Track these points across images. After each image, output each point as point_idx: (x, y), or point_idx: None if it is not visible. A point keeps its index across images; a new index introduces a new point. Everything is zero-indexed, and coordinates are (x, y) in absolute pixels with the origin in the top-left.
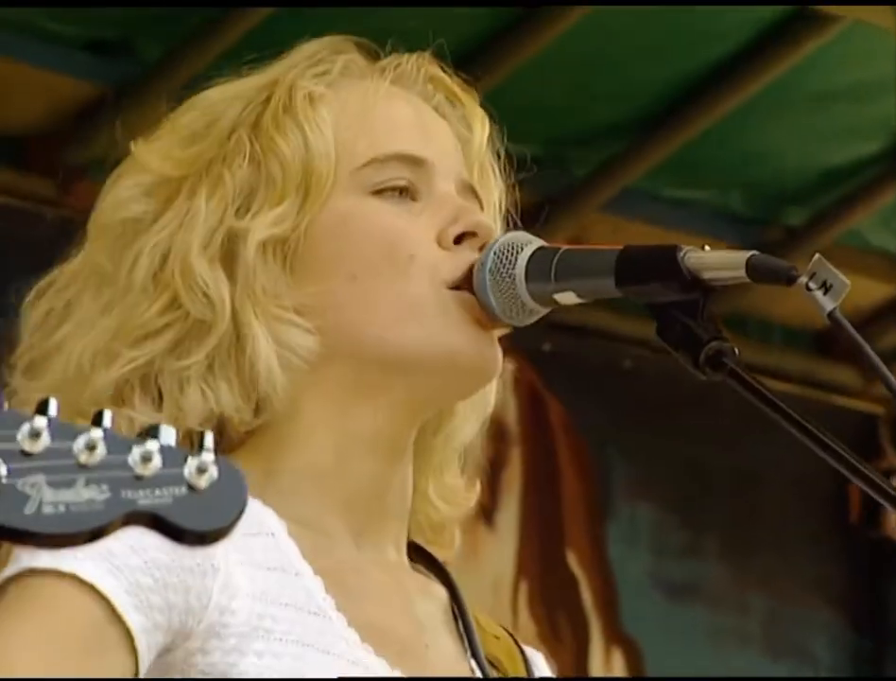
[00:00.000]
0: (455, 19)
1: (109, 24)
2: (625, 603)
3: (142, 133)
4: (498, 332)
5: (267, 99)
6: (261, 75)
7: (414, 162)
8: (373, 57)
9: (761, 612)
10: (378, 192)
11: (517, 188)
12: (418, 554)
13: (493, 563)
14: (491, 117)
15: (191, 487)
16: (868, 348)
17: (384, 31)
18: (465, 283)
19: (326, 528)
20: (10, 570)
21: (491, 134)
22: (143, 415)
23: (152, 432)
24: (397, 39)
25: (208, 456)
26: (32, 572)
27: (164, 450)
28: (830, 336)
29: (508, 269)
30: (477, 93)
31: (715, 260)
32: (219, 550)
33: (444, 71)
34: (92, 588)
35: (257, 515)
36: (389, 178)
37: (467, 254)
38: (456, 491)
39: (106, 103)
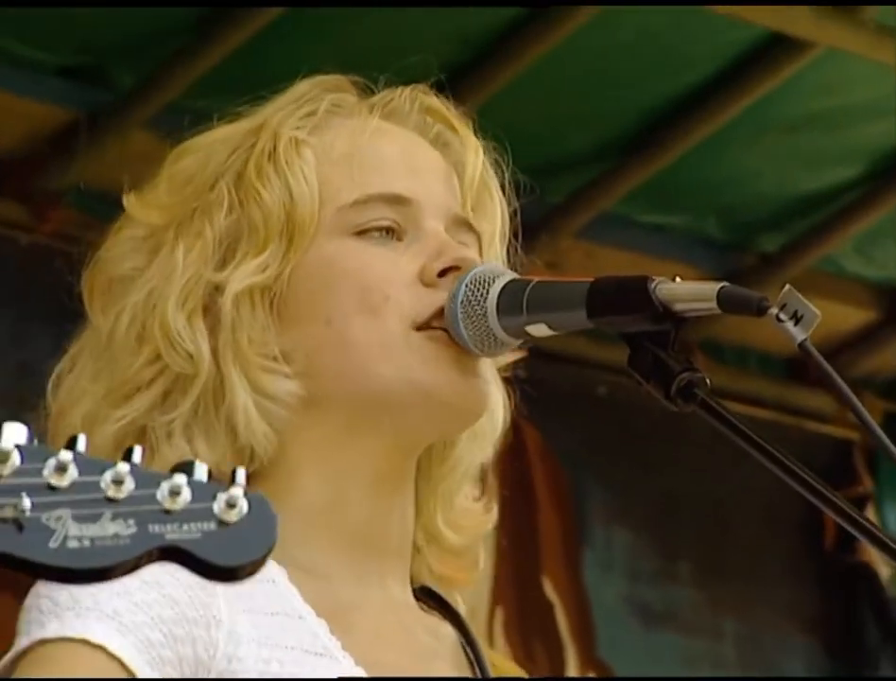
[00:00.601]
0: (428, 47)
1: (82, 50)
2: (600, 629)
3: (115, 160)
4: (483, 366)
5: (253, 145)
6: (251, 118)
7: (398, 201)
8: (366, 93)
9: (735, 637)
10: (361, 233)
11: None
12: (426, 595)
13: (469, 590)
14: (497, 142)
15: (220, 522)
16: (837, 378)
17: (354, 60)
18: (441, 319)
19: (326, 570)
20: (20, 645)
21: (486, 163)
22: None
23: (186, 468)
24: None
25: (238, 490)
26: (42, 643)
27: (194, 485)
28: (804, 362)
29: (479, 301)
30: (472, 120)
31: (686, 291)
32: (220, 600)
33: (440, 101)
34: (103, 650)
35: None
36: (372, 219)
37: (447, 292)
38: (470, 515)
39: (79, 129)
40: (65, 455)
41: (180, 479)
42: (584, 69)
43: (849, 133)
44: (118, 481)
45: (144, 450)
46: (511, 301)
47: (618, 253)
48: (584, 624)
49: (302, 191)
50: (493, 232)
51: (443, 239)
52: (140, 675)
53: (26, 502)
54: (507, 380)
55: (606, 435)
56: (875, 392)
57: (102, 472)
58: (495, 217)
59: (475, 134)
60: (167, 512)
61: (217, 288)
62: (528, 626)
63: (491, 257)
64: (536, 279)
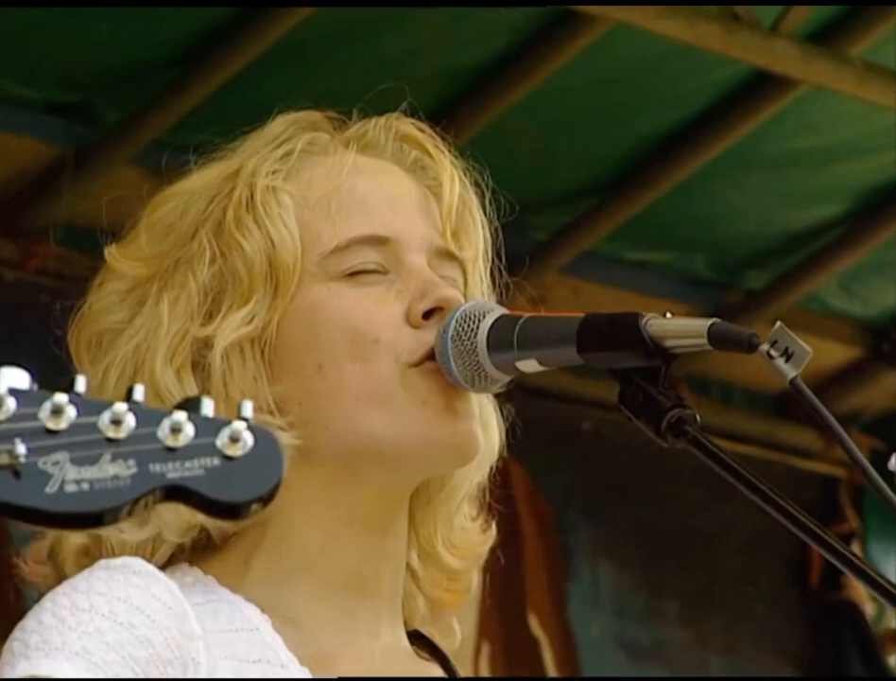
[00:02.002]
0: (415, 82)
1: (69, 87)
2: (586, 665)
3: (101, 195)
4: (474, 401)
5: (231, 191)
6: (227, 162)
7: (380, 241)
8: (341, 126)
9: (721, 673)
10: (346, 276)
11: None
12: (419, 639)
13: (458, 611)
14: (478, 163)
15: (225, 457)
16: (829, 416)
17: (340, 95)
18: (431, 359)
19: (314, 617)
20: None
21: (465, 185)
22: (129, 534)
23: (192, 403)
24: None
25: (241, 424)
26: None
27: (197, 420)
28: (791, 398)
29: (469, 337)
30: (449, 144)
31: (677, 328)
32: (199, 644)
33: (416, 126)
34: None
35: (241, 610)
36: (356, 262)
37: (434, 332)
38: (468, 534)
39: (66, 165)
40: (61, 397)
41: (182, 415)
42: (571, 106)
43: (834, 171)
44: (117, 421)
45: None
46: (501, 337)
47: (604, 289)
48: (570, 660)
49: (283, 239)
50: (476, 255)
51: (426, 277)
52: None
53: (21, 448)
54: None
55: (591, 471)
56: (860, 428)
57: (101, 412)
58: (478, 239)
59: (454, 155)
60: (169, 449)
61: (205, 342)
62: (514, 662)
63: (476, 281)
64: (526, 315)
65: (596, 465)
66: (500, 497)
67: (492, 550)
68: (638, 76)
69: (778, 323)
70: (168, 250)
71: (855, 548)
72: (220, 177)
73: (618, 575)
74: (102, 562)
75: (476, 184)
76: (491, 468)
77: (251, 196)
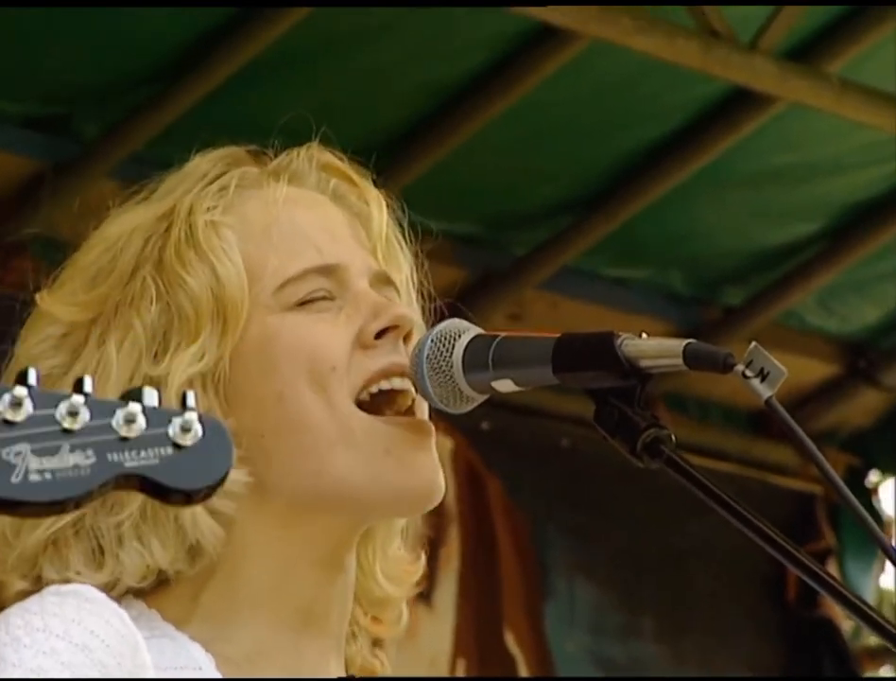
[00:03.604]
0: (395, 98)
1: (46, 101)
2: None
3: (80, 210)
4: (433, 449)
5: (167, 230)
6: (157, 202)
7: (328, 270)
8: (263, 160)
9: None
10: (299, 305)
11: (454, 266)
12: None
13: (431, 641)
14: (392, 192)
15: (176, 446)
16: (803, 435)
17: (318, 111)
18: (390, 375)
19: (259, 657)
20: None
21: (390, 214)
22: (82, 576)
23: (134, 395)
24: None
25: (192, 414)
26: None
27: (148, 411)
28: (768, 416)
29: (445, 357)
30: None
31: (652, 348)
32: (150, 673)
33: (335, 156)
34: None
35: (185, 648)
36: (308, 293)
37: (388, 351)
38: (399, 564)
39: (44, 179)
40: (20, 390)
41: (135, 406)
42: (550, 122)
43: (811, 188)
44: (73, 413)
45: (84, 556)
46: (477, 357)
47: (582, 305)
48: (546, 677)
49: (229, 272)
50: (404, 279)
51: (375, 300)
52: None
53: None
54: (469, 432)
55: (569, 487)
56: (838, 445)
57: (57, 404)
58: (402, 266)
59: (374, 184)
60: (124, 439)
61: (157, 382)
62: (490, 678)
63: (406, 304)
64: (502, 335)
65: (574, 482)
66: (477, 514)
67: (468, 566)
68: (617, 92)
69: (753, 344)
70: (106, 293)
71: (832, 565)
72: (153, 217)
73: (595, 592)
74: (52, 588)
75: (396, 209)
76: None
77: (191, 231)
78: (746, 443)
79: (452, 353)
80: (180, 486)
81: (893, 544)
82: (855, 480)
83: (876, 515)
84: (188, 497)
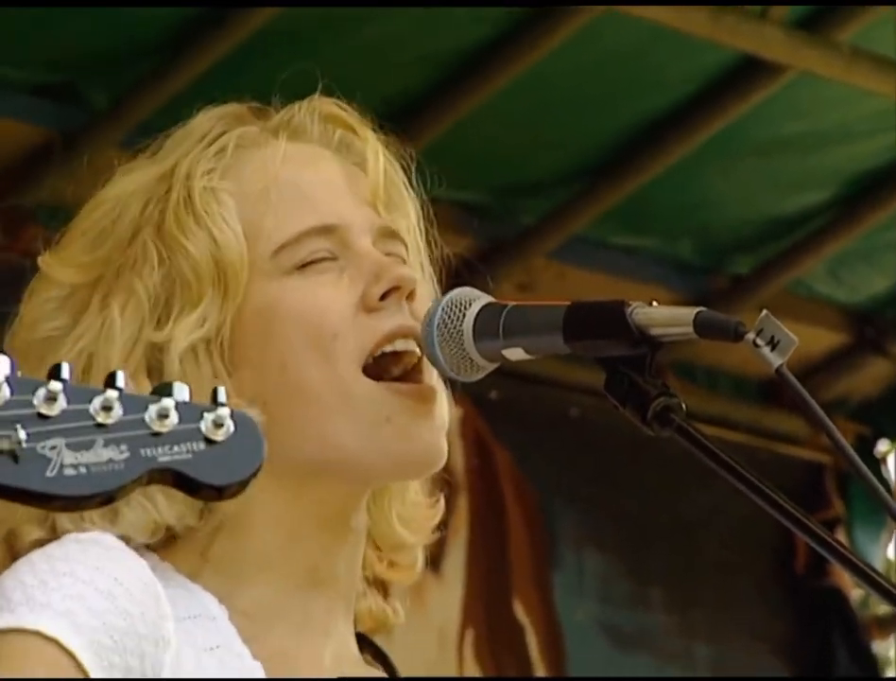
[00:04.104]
0: (402, 68)
1: (55, 69)
2: (571, 652)
3: (89, 179)
4: (438, 407)
5: (167, 192)
6: (158, 162)
7: (328, 230)
8: (265, 116)
9: (707, 660)
10: (299, 268)
11: (463, 235)
12: (365, 645)
13: (439, 610)
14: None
15: (209, 441)
16: (814, 403)
17: (327, 80)
18: (396, 337)
19: (270, 614)
20: None
21: (391, 160)
22: (97, 527)
23: (166, 390)
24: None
25: (224, 410)
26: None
27: (180, 406)
28: (777, 385)
29: (455, 325)
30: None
31: (663, 316)
32: (170, 624)
33: (338, 106)
34: (56, 643)
35: (199, 599)
36: (307, 254)
37: (393, 312)
38: (417, 509)
39: (53, 148)
40: (54, 385)
41: (168, 401)
42: (557, 91)
43: (821, 157)
44: (107, 407)
45: (103, 513)
46: (488, 325)
47: (590, 274)
48: (555, 646)
49: (227, 238)
50: (409, 227)
51: (377, 259)
52: (92, 674)
53: (22, 433)
54: (478, 402)
55: (577, 457)
56: (846, 415)
57: (91, 399)
58: (408, 212)
59: (377, 130)
60: (157, 434)
61: (160, 347)
62: (499, 648)
63: (414, 253)
64: (512, 303)
65: (583, 452)
66: (485, 484)
67: (477, 536)
68: (625, 61)
69: (764, 312)
70: (107, 255)
71: (840, 534)
72: (153, 179)
73: (604, 562)
74: (72, 535)
75: (404, 159)
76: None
77: (189, 197)
78: (755, 412)
79: (463, 321)
80: (211, 482)
81: None
82: (864, 448)
83: (885, 483)
84: (219, 493)
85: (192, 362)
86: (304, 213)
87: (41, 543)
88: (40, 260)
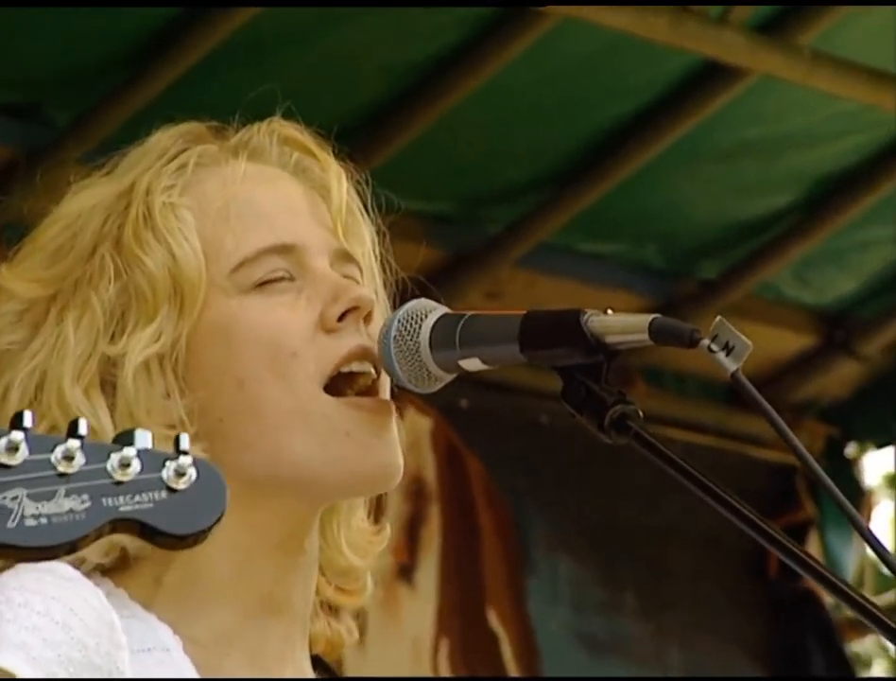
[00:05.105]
0: (364, 79)
1: (18, 87)
2: (546, 660)
3: (50, 196)
4: (394, 430)
5: (126, 208)
6: (117, 179)
7: (286, 250)
8: (224, 135)
9: (681, 666)
10: (257, 287)
11: (429, 245)
12: (319, 667)
13: (413, 621)
14: (375, 165)
15: (171, 490)
16: (768, 407)
17: (290, 93)
18: (354, 359)
19: (223, 641)
20: None
21: (349, 186)
22: None
23: (127, 438)
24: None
25: (186, 458)
26: None
27: (142, 454)
28: None
29: (412, 336)
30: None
31: (618, 324)
32: (125, 654)
33: (296, 129)
34: (9, 674)
35: (153, 630)
36: (265, 273)
37: (351, 333)
38: (363, 535)
39: (18, 166)
40: (16, 435)
41: (129, 451)
42: (520, 100)
43: (785, 160)
44: (69, 457)
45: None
46: (444, 336)
47: (558, 282)
48: (529, 654)
49: (185, 253)
50: (365, 252)
51: (335, 281)
52: None
53: None
54: (448, 411)
55: (548, 464)
56: (817, 416)
57: (53, 449)
58: (365, 238)
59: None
60: (118, 483)
61: (113, 361)
62: (473, 657)
63: (369, 278)
64: (469, 314)
65: (555, 459)
66: (457, 492)
67: (450, 545)
68: (588, 68)
69: (718, 318)
70: (66, 269)
71: (812, 536)
72: (112, 195)
73: (577, 569)
74: (27, 565)
75: (359, 184)
76: None
77: (149, 212)
78: (723, 415)
79: (419, 332)
80: (173, 531)
81: (875, 513)
82: (835, 450)
83: (857, 485)
84: (181, 540)
85: (145, 377)
86: (263, 231)
87: None
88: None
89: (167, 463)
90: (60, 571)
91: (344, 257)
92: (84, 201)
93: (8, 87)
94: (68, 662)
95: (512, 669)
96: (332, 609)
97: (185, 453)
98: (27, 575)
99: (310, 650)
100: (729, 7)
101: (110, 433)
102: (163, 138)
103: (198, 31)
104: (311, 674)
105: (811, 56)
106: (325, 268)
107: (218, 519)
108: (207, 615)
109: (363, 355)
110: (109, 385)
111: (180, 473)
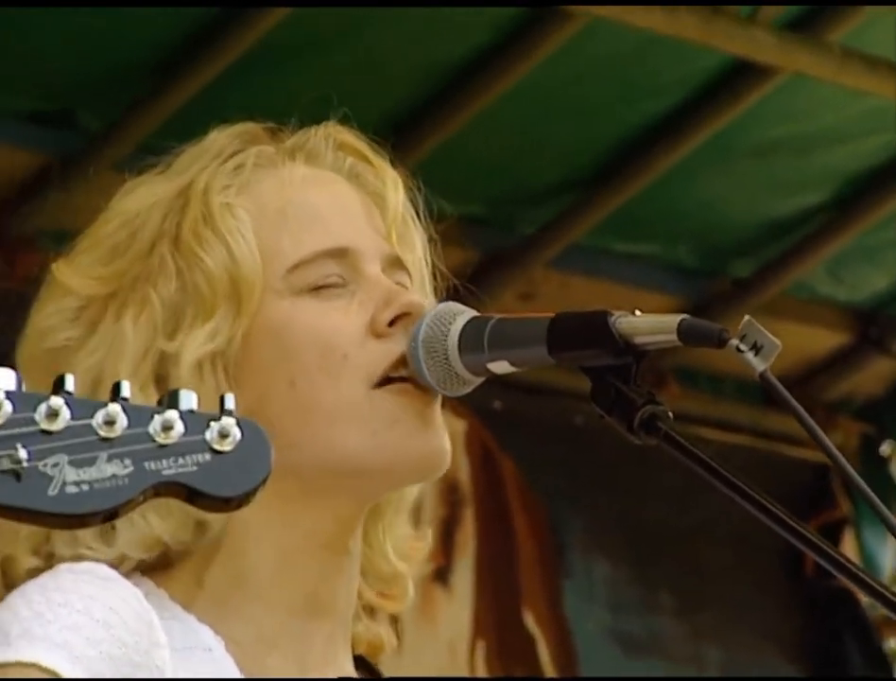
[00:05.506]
0: (396, 80)
1: (50, 95)
2: (583, 660)
3: (86, 204)
4: (439, 416)
5: (185, 207)
6: (175, 177)
7: (339, 253)
8: (279, 137)
9: (718, 665)
10: (311, 290)
11: (462, 247)
12: (362, 667)
13: (450, 623)
14: (407, 167)
15: (215, 451)
16: (797, 406)
17: (321, 95)
18: (402, 365)
19: (265, 642)
20: None
21: (405, 193)
22: (94, 551)
23: (171, 400)
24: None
25: (229, 419)
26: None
27: (186, 416)
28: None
29: (440, 340)
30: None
31: (646, 325)
32: (165, 652)
33: (353, 135)
34: (55, 674)
35: (194, 630)
36: (319, 277)
37: (399, 340)
38: (407, 540)
39: (50, 173)
40: (56, 400)
41: (172, 413)
42: (552, 100)
43: (816, 158)
44: (111, 421)
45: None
46: (472, 339)
47: (591, 282)
48: (566, 655)
49: (244, 253)
50: (416, 259)
51: (387, 286)
52: None
53: (23, 453)
54: (482, 413)
55: (583, 465)
56: (851, 414)
57: (94, 413)
58: (416, 245)
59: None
60: (162, 446)
61: (170, 358)
62: (510, 659)
63: (419, 285)
64: (497, 316)
65: (589, 459)
66: (492, 495)
67: (485, 547)
68: (619, 68)
69: (746, 318)
70: (124, 267)
71: (848, 534)
72: (170, 193)
73: (612, 569)
74: (65, 565)
75: (413, 191)
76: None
77: (208, 211)
78: (758, 415)
79: (447, 335)
80: (218, 493)
81: None
82: (869, 448)
83: (892, 483)
84: (226, 503)
85: (198, 375)
86: (319, 234)
87: (35, 572)
88: (53, 268)
89: (211, 424)
90: (98, 572)
91: (396, 264)
92: (142, 199)
93: (40, 94)
94: (109, 659)
95: (549, 670)
96: (371, 613)
97: (230, 413)
98: (67, 575)
99: (353, 650)
100: (758, 6)
101: None
102: (220, 138)
103: (231, 34)
104: (354, 676)
105: (841, 53)
106: (378, 273)
107: (264, 481)
108: (249, 615)
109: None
110: (162, 381)
111: (223, 434)
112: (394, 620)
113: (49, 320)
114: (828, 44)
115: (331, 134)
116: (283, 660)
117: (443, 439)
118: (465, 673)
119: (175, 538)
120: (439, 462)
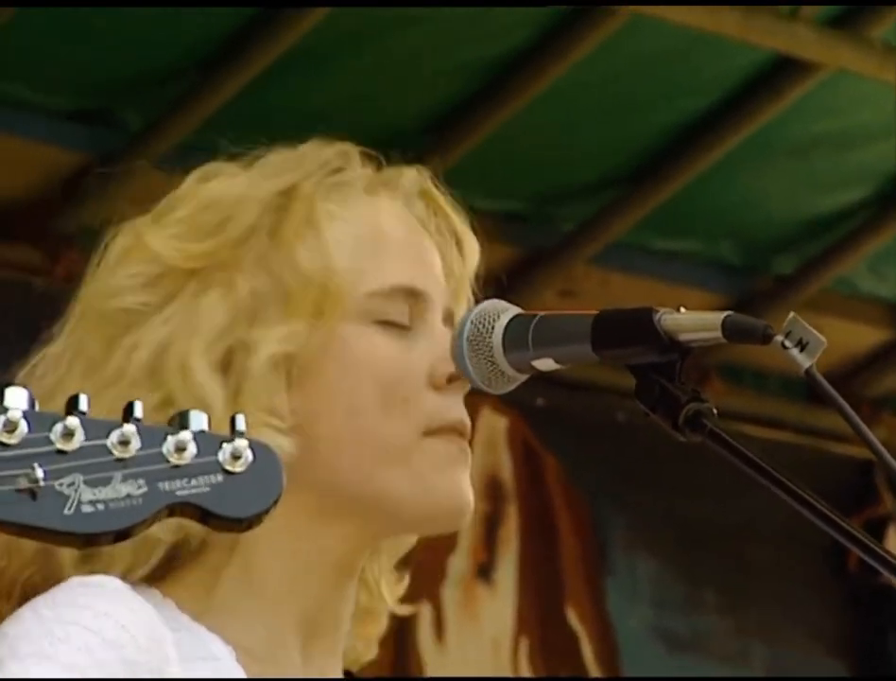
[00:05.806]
0: (437, 78)
1: (91, 93)
2: (626, 658)
3: (128, 200)
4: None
5: (285, 207)
6: (272, 177)
7: (414, 295)
8: (373, 163)
9: (763, 662)
10: (380, 323)
11: (502, 244)
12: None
13: (493, 620)
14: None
15: (227, 472)
16: (842, 402)
17: (363, 94)
18: (454, 433)
19: (273, 653)
20: None
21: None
22: (105, 565)
23: (182, 420)
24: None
25: (242, 441)
26: None
27: (198, 437)
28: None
29: (485, 337)
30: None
31: (691, 322)
32: (175, 668)
33: (439, 189)
34: None
35: (203, 640)
36: (393, 312)
37: (455, 402)
38: (395, 578)
39: (92, 172)
40: (72, 421)
41: (185, 433)
42: (593, 97)
43: (858, 154)
44: (125, 442)
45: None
46: (517, 336)
47: (632, 280)
48: (609, 653)
49: (338, 266)
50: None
51: (448, 341)
52: None
53: (39, 472)
54: (524, 410)
55: (626, 462)
56: (894, 411)
57: (108, 433)
58: (465, 305)
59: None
60: (175, 467)
61: (245, 346)
62: (553, 656)
63: None
64: (541, 314)
65: (632, 456)
66: (534, 492)
67: (528, 545)
68: (659, 65)
69: (791, 314)
70: (213, 248)
71: (892, 530)
72: (270, 191)
73: (656, 566)
74: (76, 579)
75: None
76: None
77: (313, 216)
78: (802, 411)
79: (492, 333)
80: (230, 514)
81: None
82: None
83: None
84: (238, 524)
85: (271, 369)
86: (399, 270)
87: (83, 555)
88: (140, 227)
89: (224, 446)
90: (110, 585)
91: (450, 319)
92: (234, 189)
93: (81, 94)
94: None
95: (592, 667)
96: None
97: (241, 434)
98: (78, 590)
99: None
100: (797, 6)
101: (217, 411)
102: (321, 150)
103: (270, 34)
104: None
105: (882, 49)
106: (441, 324)
107: (275, 502)
108: (257, 626)
109: (462, 431)
110: (229, 366)
111: (236, 456)
112: (437, 616)
113: (126, 280)
114: (869, 40)
115: (418, 181)
116: (285, 672)
117: (471, 492)
118: (508, 671)
119: (177, 536)
120: (465, 514)
